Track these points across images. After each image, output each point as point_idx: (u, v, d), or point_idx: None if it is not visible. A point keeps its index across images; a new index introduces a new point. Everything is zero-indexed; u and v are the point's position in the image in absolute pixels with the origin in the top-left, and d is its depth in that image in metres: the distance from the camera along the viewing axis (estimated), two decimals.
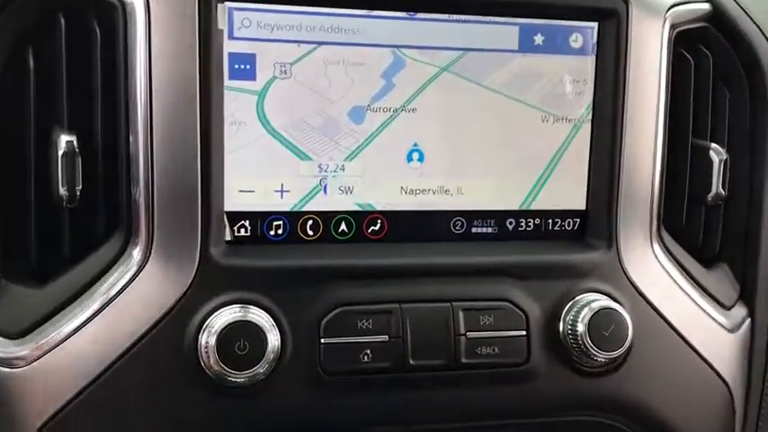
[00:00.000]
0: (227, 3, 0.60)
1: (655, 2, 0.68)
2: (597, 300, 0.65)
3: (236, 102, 0.61)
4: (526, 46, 0.66)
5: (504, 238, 0.68)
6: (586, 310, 0.65)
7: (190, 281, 0.60)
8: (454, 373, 0.63)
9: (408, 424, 0.65)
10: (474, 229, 0.68)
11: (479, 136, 0.66)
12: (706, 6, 0.71)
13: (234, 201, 0.63)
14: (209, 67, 0.59)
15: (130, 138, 0.59)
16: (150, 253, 0.59)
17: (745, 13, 0.73)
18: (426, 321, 0.63)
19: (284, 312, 0.61)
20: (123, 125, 0.59)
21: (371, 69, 0.64)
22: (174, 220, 0.59)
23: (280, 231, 0.64)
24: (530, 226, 0.69)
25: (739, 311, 0.73)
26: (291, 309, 0.61)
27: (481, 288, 0.65)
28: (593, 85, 0.68)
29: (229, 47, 0.61)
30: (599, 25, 0.67)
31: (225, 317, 0.59)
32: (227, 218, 0.63)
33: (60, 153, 0.58)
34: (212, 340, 0.58)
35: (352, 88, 0.63)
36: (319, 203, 0.64)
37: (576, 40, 0.67)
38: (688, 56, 0.71)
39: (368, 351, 0.62)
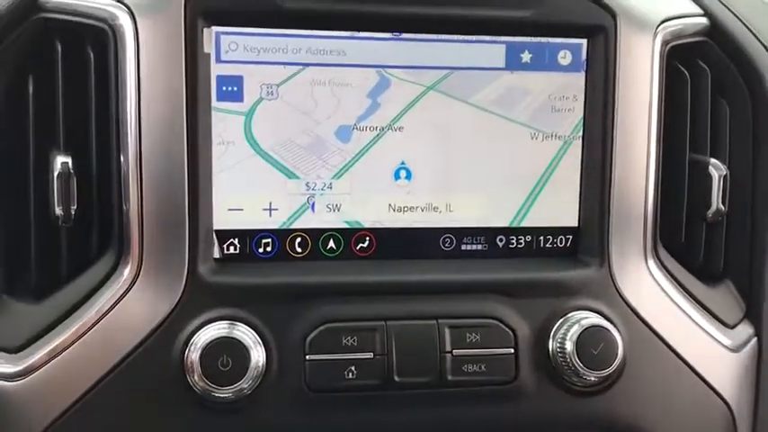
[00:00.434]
0: (213, 28, 0.62)
1: (644, 17, 0.67)
2: (587, 318, 0.65)
3: (224, 122, 0.63)
4: (513, 64, 0.67)
5: (495, 255, 0.68)
6: (576, 327, 0.64)
7: (178, 298, 0.61)
8: (440, 391, 0.63)
9: None
10: (464, 247, 0.68)
11: (467, 153, 0.66)
12: (704, 21, 0.71)
13: (223, 219, 0.64)
14: (196, 89, 0.61)
15: (121, 159, 0.61)
16: (140, 270, 0.61)
17: (745, 25, 0.72)
18: (412, 338, 0.63)
19: (270, 329, 0.62)
20: (115, 147, 0.61)
21: (357, 89, 0.65)
22: (163, 238, 0.61)
23: (269, 249, 0.65)
24: (521, 243, 0.69)
25: (744, 330, 0.72)
26: (277, 325, 0.62)
27: (468, 305, 0.64)
28: (583, 102, 0.67)
29: (217, 70, 0.62)
30: (588, 42, 0.67)
31: (210, 333, 0.60)
32: (217, 236, 0.64)
33: (56, 174, 0.60)
34: (196, 356, 0.59)
35: (338, 108, 0.65)
36: (307, 221, 0.65)
37: (564, 57, 0.67)
38: (684, 70, 0.70)
39: (352, 368, 0.62)
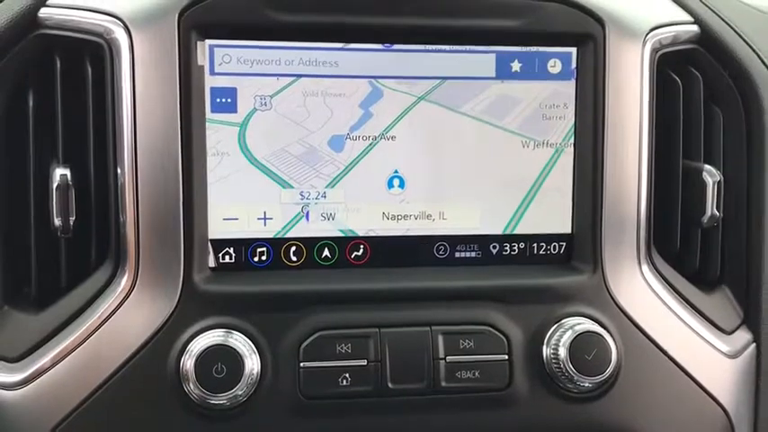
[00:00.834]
0: (207, 41, 0.63)
1: (633, 25, 0.68)
2: (581, 323, 0.65)
3: (218, 134, 0.64)
4: (503, 73, 0.67)
5: (489, 262, 0.68)
6: (569, 333, 0.64)
7: (174, 306, 0.62)
8: (434, 398, 0.64)
9: None
10: (457, 254, 0.68)
11: (460, 162, 0.67)
12: (694, 28, 0.71)
13: (218, 229, 0.65)
14: (190, 101, 0.62)
15: (118, 170, 0.62)
16: (136, 280, 0.62)
17: (735, 31, 0.72)
18: (405, 345, 0.63)
19: (265, 337, 0.62)
20: (112, 158, 0.62)
21: (350, 99, 0.66)
22: (159, 248, 0.62)
23: (264, 258, 0.66)
24: (514, 250, 0.69)
25: (742, 336, 0.71)
26: (272, 333, 0.63)
27: (462, 312, 0.65)
28: (573, 110, 0.68)
29: (211, 82, 0.64)
30: (577, 50, 0.68)
31: (205, 341, 0.61)
32: (212, 245, 0.65)
33: (55, 186, 0.62)
34: (191, 364, 0.60)
35: (331, 118, 0.66)
36: (302, 230, 0.66)
37: (554, 66, 0.68)
38: (675, 77, 0.70)
39: (346, 375, 0.63)
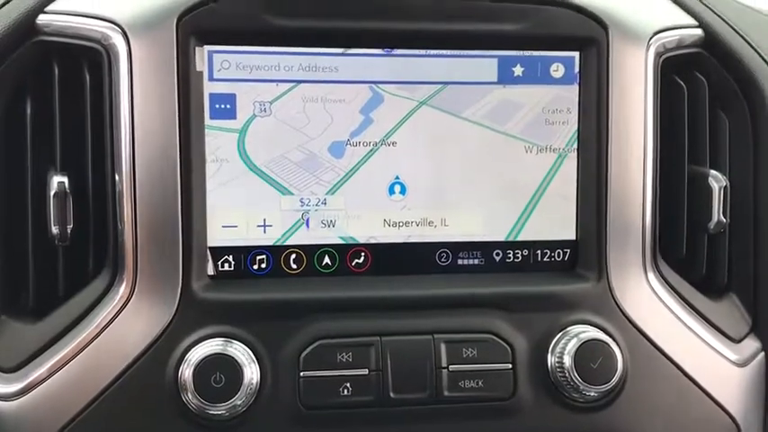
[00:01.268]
0: (206, 46, 0.63)
1: (637, 29, 0.67)
2: (586, 331, 0.64)
3: (217, 140, 0.64)
4: (505, 77, 0.67)
5: (492, 269, 0.67)
6: (574, 341, 0.63)
7: (172, 315, 0.61)
8: (436, 408, 0.63)
9: None
10: (460, 261, 0.67)
11: (462, 167, 0.66)
12: (698, 32, 0.70)
13: (217, 236, 0.64)
14: (189, 107, 0.62)
15: (116, 178, 0.61)
16: (134, 288, 0.61)
17: (741, 35, 0.72)
18: (407, 354, 0.62)
19: (264, 346, 0.62)
20: (110, 165, 0.62)
21: (350, 105, 0.65)
22: (157, 256, 0.61)
23: (263, 265, 0.65)
24: (518, 257, 0.68)
25: (751, 345, 0.70)
26: (272, 342, 0.62)
27: (464, 320, 0.64)
28: (577, 115, 0.67)
29: (210, 88, 0.63)
30: (580, 54, 0.67)
31: (203, 350, 0.60)
32: (211, 253, 0.64)
33: (52, 193, 0.61)
34: (189, 373, 0.59)
35: (331, 124, 0.65)
36: (302, 237, 0.65)
37: (557, 70, 0.67)
38: (680, 82, 0.70)
39: (347, 384, 0.62)
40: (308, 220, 0.65)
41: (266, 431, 0.62)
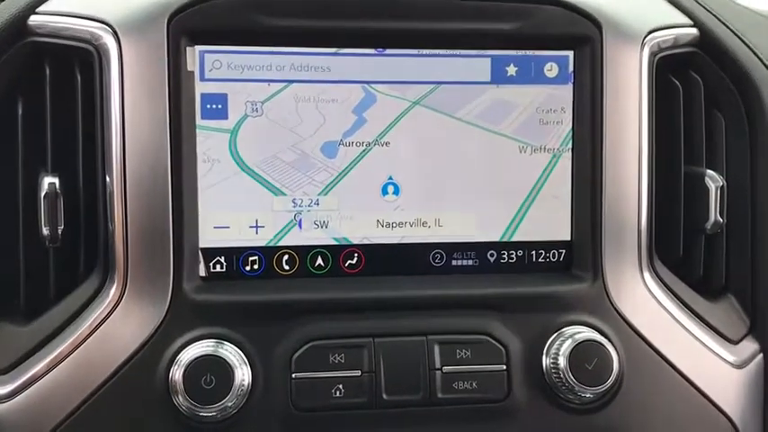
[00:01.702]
0: (197, 46, 0.63)
1: (631, 28, 0.67)
2: (581, 332, 0.63)
3: (208, 140, 0.63)
4: (499, 77, 0.66)
5: (486, 270, 0.67)
6: (569, 342, 0.63)
7: (163, 316, 0.61)
8: (430, 409, 0.62)
9: None
10: (454, 262, 0.67)
11: (455, 168, 0.66)
12: (693, 31, 0.70)
13: (209, 237, 0.64)
14: (180, 107, 0.61)
15: (107, 178, 0.61)
16: (125, 290, 0.61)
17: (736, 35, 0.71)
18: (400, 355, 0.62)
19: (256, 347, 0.61)
20: (100, 165, 0.61)
21: (342, 105, 0.65)
22: (148, 257, 0.61)
23: (255, 267, 0.65)
24: (512, 258, 0.67)
25: (749, 346, 0.69)
26: (263, 343, 0.61)
27: (458, 321, 0.63)
28: (571, 115, 0.67)
29: (201, 88, 0.63)
30: (574, 53, 0.66)
31: (194, 351, 0.59)
32: (203, 254, 0.64)
33: (42, 194, 0.61)
34: (180, 374, 0.59)
35: (323, 124, 0.65)
36: (294, 238, 0.65)
37: (550, 70, 0.67)
38: (676, 81, 0.69)
39: (340, 386, 0.61)
40: (300, 221, 0.65)
41: None
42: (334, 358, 0.61)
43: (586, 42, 0.65)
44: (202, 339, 0.61)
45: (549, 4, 0.65)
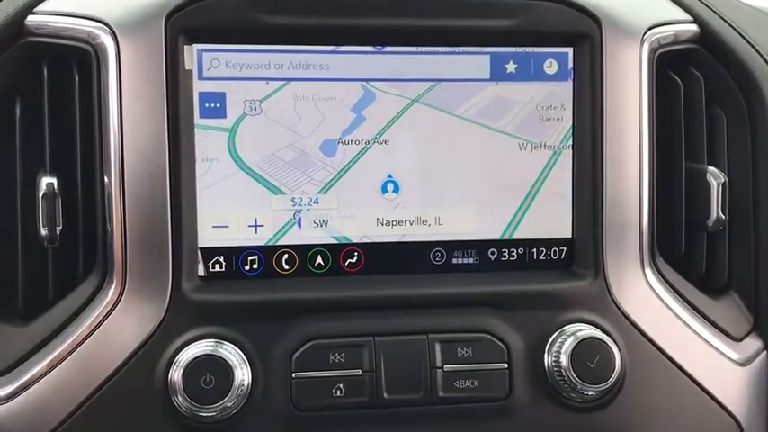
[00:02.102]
0: (195, 45, 0.62)
1: (630, 25, 0.67)
2: (582, 330, 0.63)
3: (207, 139, 0.63)
4: (498, 74, 0.66)
5: (487, 268, 0.66)
6: (571, 340, 0.62)
7: (162, 317, 0.60)
8: (431, 408, 0.62)
9: None
10: (455, 260, 0.66)
11: (455, 165, 0.66)
12: (693, 28, 0.70)
13: (208, 236, 0.63)
14: (178, 107, 0.61)
15: (105, 178, 0.61)
16: (124, 290, 0.60)
17: (737, 31, 0.71)
18: (401, 354, 0.62)
19: (256, 347, 0.61)
20: (98, 166, 0.61)
21: (341, 103, 0.64)
22: (147, 257, 0.61)
23: (255, 266, 0.64)
24: (513, 256, 0.67)
25: (752, 344, 0.69)
26: (263, 343, 0.61)
27: (459, 319, 0.63)
28: (571, 112, 0.66)
29: (199, 87, 0.63)
30: (574, 50, 0.66)
31: (193, 351, 0.59)
32: (202, 254, 0.64)
33: (41, 194, 0.60)
34: (179, 374, 0.58)
35: (322, 122, 0.64)
36: (294, 237, 0.65)
37: (550, 67, 0.67)
38: (676, 78, 0.69)
39: (340, 386, 0.61)
40: (299, 220, 0.65)
41: None
42: (335, 357, 0.61)
43: (586, 39, 0.65)
44: (202, 339, 0.60)
45: (548, 1, 0.64)
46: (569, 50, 0.66)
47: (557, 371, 0.62)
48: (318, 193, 0.64)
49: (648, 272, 0.66)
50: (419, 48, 0.65)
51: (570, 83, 0.67)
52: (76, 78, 0.62)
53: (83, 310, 0.61)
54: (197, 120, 0.62)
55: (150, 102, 0.60)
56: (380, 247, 0.65)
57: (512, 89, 0.66)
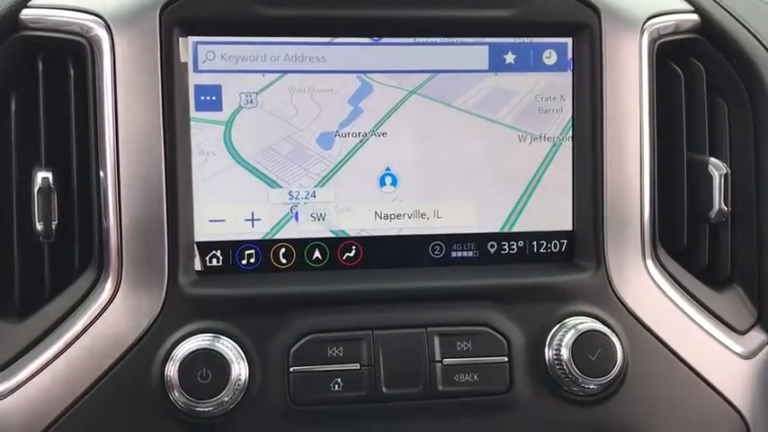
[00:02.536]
0: (190, 37, 0.62)
1: (630, 14, 0.66)
2: (583, 322, 0.62)
3: (203, 132, 0.62)
4: (497, 65, 0.65)
5: (487, 262, 0.66)
6: (571, 333, 0.61)
7: (158, 311, 0.60)
8: (431, 402, 0.61)
9: None
10: (454, 254, 0.66)
11: (454, 158, 0.65)
12: (694, 17, 0.69)
13: (204, 231, 0.63)
14: (173, 99, 0.61)
15: (100, 172, 0.60)
16: (120, 285, 0.60)
17: (738, 21, 0.70)
18: (400, 348, 0.61)
19: (253, 341, 0.60)
20: (94, 160, 0.61)
21: (338, 95, 0.64)
22: (143, 251, 0.60)
23: (252, 260, 0.64)
24: (513, 249, 0.66)
25: (756, 337, 0.68)
26: (260, 337, 0.60)
27: (458, 313, 0.62)
28: (571, 102, 0.66)
29: (195, 79, 0.62)
30: (573, 40, 0.65)
31: (190, 346, 0.59)
32: (198, 248, 0.63)
33: (36, 189, 0.60)
34: (175, 369, 0.58)
35: (319, 115, 0.64)
36: (291, 231, 0.64)
37: (549, 57, 0.66)
38: (677, 68, 0.68)
39: (338, 380, 0.60)
40: (297, 214, 0.64)
41: (255, 428, 0.60)
42: (333, 351, 0.60)
43: (585, 29, 0.65)
44: (198, 334, 0.60)
45: None
46: (568, 41, 0.66)
47: (558, 364, 0.61)
48: (316, 186, 0.64)
49: (650, 264, 0.66)
50: (416, 39, 0.65)
51: (570, 73, 0.66)
52: (71, 72, 0.62)
53: (79, 306, 0.60)
54: (192, 113, 0.62)
55: (145, 95, 0.60)
56: (379, 241, 0.65)
57: (511, 80, 0.65)
